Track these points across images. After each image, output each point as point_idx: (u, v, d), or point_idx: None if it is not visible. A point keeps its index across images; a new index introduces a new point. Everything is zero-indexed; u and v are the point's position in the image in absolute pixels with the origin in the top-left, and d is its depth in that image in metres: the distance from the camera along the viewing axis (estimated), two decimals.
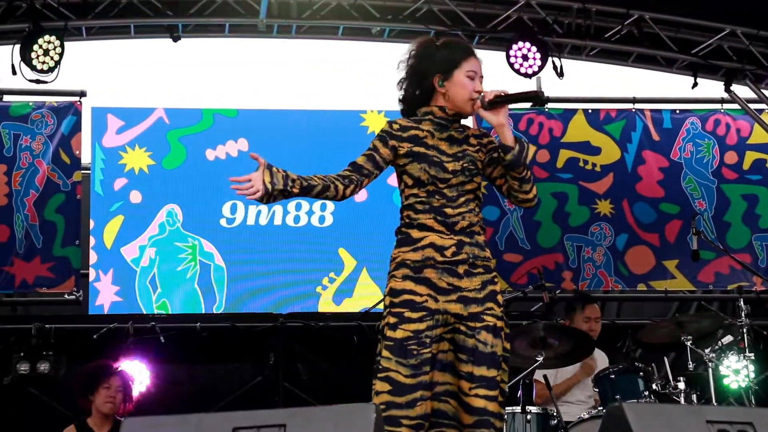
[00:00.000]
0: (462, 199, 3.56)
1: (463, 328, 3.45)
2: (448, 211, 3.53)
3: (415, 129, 3.62)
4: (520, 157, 3.54)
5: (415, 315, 3.44)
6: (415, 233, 3.54)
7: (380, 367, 3.41)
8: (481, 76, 3.67)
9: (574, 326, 5.89)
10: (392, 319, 3.45)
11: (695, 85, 7.88)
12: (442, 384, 3.46)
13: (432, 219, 3.53)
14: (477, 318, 3.46)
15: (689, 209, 7.85)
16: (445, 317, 3.46)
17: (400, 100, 3.76)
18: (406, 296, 3.47)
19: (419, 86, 3.67)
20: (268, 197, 3.42)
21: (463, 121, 3.74)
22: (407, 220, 3.58)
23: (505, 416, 4.64)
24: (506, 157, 3.56)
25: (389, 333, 3.44)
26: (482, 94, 3.59)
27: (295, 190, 3.45)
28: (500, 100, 3.55)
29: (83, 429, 5.51)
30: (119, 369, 5.80)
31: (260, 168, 3.43)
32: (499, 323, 3.49)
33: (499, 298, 3.55)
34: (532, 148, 3.51)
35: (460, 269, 3.50)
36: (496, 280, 3.57)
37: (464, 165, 3.58)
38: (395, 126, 3.64)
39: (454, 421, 3.45)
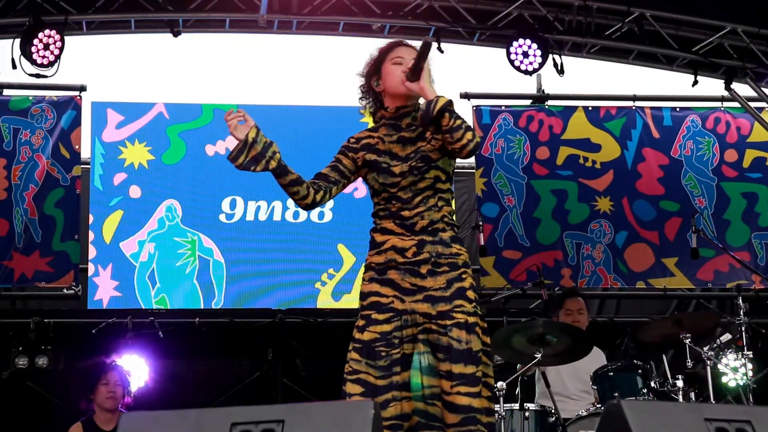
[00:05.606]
0: (418, 199, 3.55)
1: (434, 327, 3.44)
2: (405, 213, 3.56)
3: (368, 138, 3.66)
4: (427, 111, 3.43)
5: (381, 316, 3.45)
6: (379, 237, 3.60)
7: (351, 369, 3.42)
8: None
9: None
10: (361, 322, 3.48)
11: (695, 82, 7.89)
12: (428, 387, 3.44)
13: (392, 222, 3.57)
14: (447, 316, 3.43)
15: (689, 207, 7.85)
16: (414, 317, 3.45)
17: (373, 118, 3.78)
18: (373, 298, 3.50)
19: (371, 98, 3.71)
20: (245, 146, 3.37)
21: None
22: (374, 225, 3.66)
23: (497, 411, 4.64)
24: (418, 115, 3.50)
25: (357, 335, 3.46)
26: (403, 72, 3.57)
27: (272, 164, 3.42)
28: (414, 67, 3.51)
29: (91, 426, 5.49)
30: (113, 363, 5.78)
31: (249, 124, 3.41)
32: (471, 319, 3.45)
33: (470, 294, 3.49)
34: (443, 99, 3.44)
35: (423, 269, 3.50)
36: (464, 276, 3.51)
37: (412, 165, 3.55)
38: (351, 140, 3.69)
39: (441, 423, 3.41)
